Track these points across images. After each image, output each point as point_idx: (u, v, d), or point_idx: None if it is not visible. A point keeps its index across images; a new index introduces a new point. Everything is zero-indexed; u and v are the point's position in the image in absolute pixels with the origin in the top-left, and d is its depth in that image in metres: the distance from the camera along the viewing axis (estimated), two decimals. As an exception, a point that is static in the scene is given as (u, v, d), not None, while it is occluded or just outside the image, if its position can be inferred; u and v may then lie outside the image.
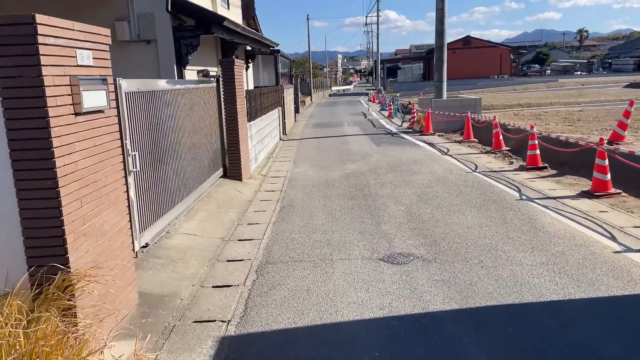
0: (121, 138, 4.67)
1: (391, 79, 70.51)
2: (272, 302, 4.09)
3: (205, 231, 6.05)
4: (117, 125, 3.82)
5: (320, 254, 5.18)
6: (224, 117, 8.94)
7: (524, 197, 7.20)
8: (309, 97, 43.00)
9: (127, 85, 4.80)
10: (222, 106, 8.90)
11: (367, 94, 55.43)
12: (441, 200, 7.22)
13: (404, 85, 59.43)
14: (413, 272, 4.54)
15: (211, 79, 8.72)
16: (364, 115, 26.38)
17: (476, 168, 9.68)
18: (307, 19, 47.17)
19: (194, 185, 7.06)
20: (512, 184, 8.14)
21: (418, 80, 67.08)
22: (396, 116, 23.61)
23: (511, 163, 10.09)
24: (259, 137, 11.66)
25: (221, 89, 8.85)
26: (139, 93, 5.10)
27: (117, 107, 4.62)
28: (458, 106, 16.25)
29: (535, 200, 6.96)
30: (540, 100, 26.43)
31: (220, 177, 8.89)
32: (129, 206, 4.77)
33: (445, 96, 16.82)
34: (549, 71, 69.88)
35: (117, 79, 4.61)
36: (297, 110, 28.43)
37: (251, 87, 16.52)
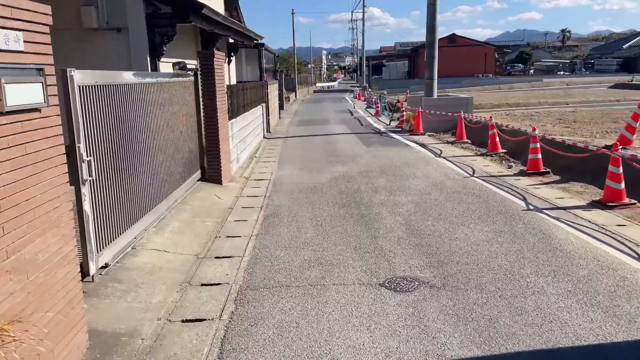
0: (73, 141, 3.89)
1: (376, 77, 70.04)
2: (253, 345, 3.36)
3: (178, 246, 5.29)
4: (60, 126, 3.04)
5: (311, 277, 4.47)
6: (202, 114, 8.15)
7: (531, 207, 6.58)
8: (294, 93, 42.18)
9: (81, 77, 4.01)
10: (201, 103, 8.11)
11: (352, 91, 54.78)
12: (441, 209, 6.57)
13: (389, 82, 58.94)
14: (421, 303, 3.86)
15: (188, 72, 7.93)
16: (350, 112, 25.70)
17: (474, 172, 9.07)
18: (292, 14, 46.34)
19: (167, 191, 6.28)
20: (515, 191, 7.53)
21: (403, 77, 66.75)
22: (383, 114, 22.98)
23: (510, 167, 9.50)
24: (241, 135, 10.88)
25: (199, 84, 8.06)
26: (97, 87, 4.31)
27: (68, 104, 3.83)
28: (449, 105, 15.66)
29: (545, 211, 6.35)
30: (528, 100, 26.09)
31: (198, 181, 8.11)
32: (81, 223, 4.00)
33: (435, 95, 16.23)
34: (532, 71, 70.16)
35: (68, 69, 3.82)
36: (281, 107, 27.64)
37: (234, 82, 15.70)
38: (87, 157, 4.03)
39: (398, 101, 19.07)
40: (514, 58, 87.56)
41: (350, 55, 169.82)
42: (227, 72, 14.60)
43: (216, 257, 5.07)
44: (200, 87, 8.06)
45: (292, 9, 46.17)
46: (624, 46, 66.40)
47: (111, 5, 7.85)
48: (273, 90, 20.04)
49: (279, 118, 22.92)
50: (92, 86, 4.21)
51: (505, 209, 6.50)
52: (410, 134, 15.20)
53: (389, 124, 18.61)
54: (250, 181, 9.03)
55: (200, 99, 8.11)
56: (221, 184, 8.33)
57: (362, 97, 37.97)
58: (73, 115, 3.87)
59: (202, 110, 8.14)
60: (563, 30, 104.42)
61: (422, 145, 12.88)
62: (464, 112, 15.18)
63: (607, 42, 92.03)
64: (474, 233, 5.54)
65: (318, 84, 74.81)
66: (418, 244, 5.23)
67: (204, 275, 4.61)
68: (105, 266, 4.43)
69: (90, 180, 4.08)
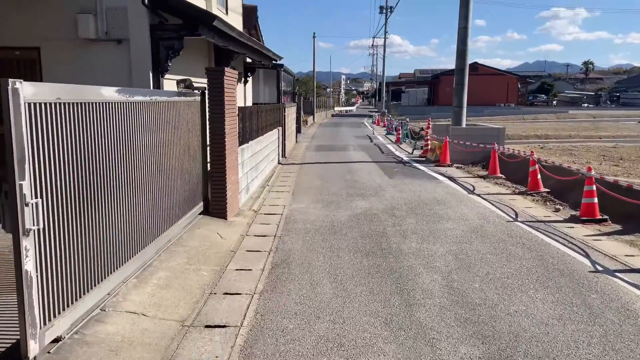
0: (13, 177, 2.86)
1: (395, 102, 69.37)
2: None
3: (161, 306, 4.20)
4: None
5: (328, 367, 3.33)
6: (208, 139, 7.16)
7: (599, 268, 5.37)
8: (312, 116, 41.48)
9: (33, 91, 3.01)
10: (207, 126, 7.13)
11: (370, 116, 53.98)
12: (488, 266, 5.39)
13: (407, 108, 58.21)
14: None
15: (195, 91, 6.97)
16: (370, 139, 24.69)
17: (517, 216, 7.87)
18: (314, 37, 45.98)
19: (157, 231, 5.23)
20: (572, 243, 6.32)
21: (422, 104, 65.98)
22: (405, 142, 21.92)
23: (557, 210, 8.28)
24: (253, 162, 9.87)
25: (207, 105, 7.09)
26: (60, 105, 3.30)
27: (8, 127, 2.82)
28: (479, 135, 14.54)
29: (618, 275, 5.14)
30: (557, 132, 24.83)
31: (200, 214, 7.07)
32: (20, 288, 2.94)
33: (464, 123, 15.12)
34: (555, 102, 68.80)
35: (10, 81, 2.82)
36: (298, 130, 26.79)
37: (250, 103, 14.82)
38: (34, 198, 2.99)
39: (422, 129, 18.00)
40: (535, 88, 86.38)
41: (369, 80, 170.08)
42: (243, 93, 13.73)
43: (206, 326, 3.96)
44: (207, 109, 7.09)
45: (314, 33, 45.84)
46: (652, 80, 64.68)
47: (111, 14, 6.98)
48: (291, 113, 19.16)
49: (296, 142, 21.99)
50: (51, 104, 3.20)
51: (568, 269, 5.29)
52: (436, 165, 14.06)
53: (412, 153, 17.50)
54: (259, 215, 7.96)
55: (207, 122, 7.13)
56: (226, 219, 7.27)
57: (382, 122, 37.04)
58: (15, 142, 2.85)
59: (208, 135, 7.16)
60: (586, 63, 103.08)
61: (451, 178, 11.72)
62: (496, 144, 14.06)
63: (631, 76, 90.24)
64: (537, 305, 4.34)
65: (336, 108, 74.31)
66: (467, 320, 4.05)
67: (187, 356, 3.50)
68: (58, 340, 3.36)
69: (36, 230, 3.04)
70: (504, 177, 11.71)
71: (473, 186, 10.61)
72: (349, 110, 77.43)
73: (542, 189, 9.67)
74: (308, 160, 15.55)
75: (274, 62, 14.58)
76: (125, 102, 4.39)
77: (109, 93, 4.10)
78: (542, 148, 15.68)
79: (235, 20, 12.81)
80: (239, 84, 13.02)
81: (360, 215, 7.88)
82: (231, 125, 7.52)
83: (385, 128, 32.97)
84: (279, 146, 14.69)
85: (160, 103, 5.34)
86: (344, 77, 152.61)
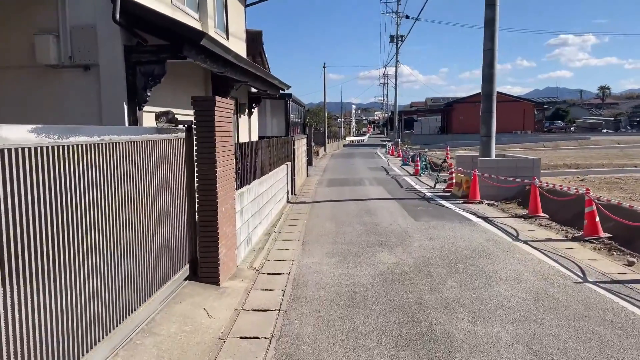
0: None
1: (407, 131, 68.21)
2: None
3: None
4: None
5: None
6: (196, 185, 5.75)
7: None
8: (323, 147, 40.26)
9: None
10: (195, 169, 5.73)
11: (384, 146, 52.72)
12: (580, 366, 3.79)
13: (421, 137, 56.93)
14: None
15: (179, 126, 5.61)
16: (385, 170, 23.22)
17: (584, 274, 6.26)
18: (324, 67, 45.26)
19: (115, 319, 3.76)
20: (679, 320, 4.70)
21: (436, 133, 64.70)
22: (424, 174, 20.41)
23: (630, 264, 6.65)
24: (256, 207, 8.42)
25: (194, 143, 5.71)
26: None
27: None
28: (512, 168, 13.00)
29: None
30: (587, 161, 23.14)
31: (186, 279, 5.60)
32: None
33: (494, 154, 13.60)
34: (572, 128, 67.05)
35: None
36: (309, 163, 25.49)
37: (255, 137, 13.51)
38: None
39: (444, 161, 16.52)
40: (550, 115, 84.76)
41: (380, 110, 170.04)
42: (248, 126, 12.43)
43: None
44: (194, 147, 5.71)
45: (324, 63, 45.18)
46: (673, 103, 62.69)
47: (77, 35, 5.71)
48: (300, 145, 17.83)
49: (307, 176, 20.60)
50: None
51: (698, 371, 3.68)
52: (465, 202, 12.50)
53: (434, 187, 15.95)
54: (261, 276, 6.45)
55: (195, 164, 5.74)
56: (218, 285, 5.78)
57: (396, 152, 35.65)
58: None
59: (196, 180, 5.75)
60: (602, 88, 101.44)
61: (486, 219, 10.14)
62: (532, 177, 12.50)
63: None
64: None
65: (348, 138, 73.33)
66: None
67: None
68: None
69: None
70: (547, 217, 10.11)
71: (515, 230, 9.01)
72: (361, 140, 76.38)
73: (602, 234, 8.05)
74: (320, 197, 14.08)
75: (281, 91, 13.32)
76: (53, 146, 2.99)
77: (18, 135, 2.70)
78: (582, 180, 14.05)
79: (238, 47, 11.62)
80: (242, 116, 11.71)
81: (387, 274, 6.33)
82: (225, 167, 6.11)
83: (400, 159, 31.53)
84: (287, 183, 13.28)
85: (121, 144, 3.95)
86: (354, 106, 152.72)
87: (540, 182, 10.57)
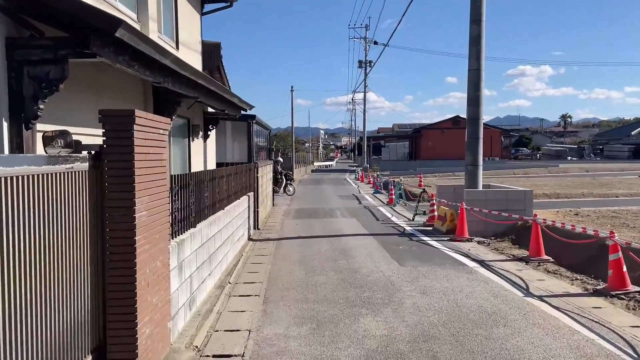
0: None
1: (375, 157, 67.50)
2: None
3: None
4: None
5: None
6: (107, 238, 3.93)
7: None
8: (291, 173, 38.58)
9: None
10: (105, 213, 3.93)
11: (352, 171, 51.54)
12: None
13: (389, 163, 56.16)
14: None
15: (81, 154, 3.81)
16: (357, 199, 21.68)
17: (635, 351, 4.72)
18: (292, 90, 43.91)
19: None
20: None
21: (403, 159, 64.19)
22: (398, 203, 18.95)
23: (686, 333, 5.17)
24: (205, 254, 6.59)
25: (104, 176, 3.92)
26: None
27: None
28: (500, 200, 11.63)
29: None
30: (565, 190, 22.26)
31: (85, 380, 3.72)
32: None
33: (481, 185, 12.21)
34: (538, 155, 67.82)
35: None
36: (275, 191, 23.71)
37: (212, 164, 11.71)
38: None
39: (424, 190, 15.09)
40: (514, 142, 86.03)
41: (347, 135, 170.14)
42: (203, 151, 10.64)
43: None
44: (105, 183, 3.92)
45: (292, 86, 43.82)
46: (633, 132, 64.49)
47: None
48: (265, 173, 16.09)
49: (272, 205, 18.81)
50: None
51: None
52: (451, 239, 10.99)
53: (412, 220, 14.44)
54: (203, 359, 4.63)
55: (105, 206, 3.93)
56: (135, 385, 3.92)
57: (366, 179, 34.32)
58: None
59: (107, 231, 3.94)
60: (564, 116, 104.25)
61: (482, 263, 8.61)
62: (525, 211, 11.17)
63: (615, 128, 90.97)
64: None
65: (316, 163, 71.98)
66: None
67: None
68: None
69: None
70: (551, 259, 8.68)
71: (522, 280, 7.48)
72: (329, 165, 75.20)
73: (631, 287, 6.61)
74: (287, 232, 12.31)
75: (243, 112, 11.64)
76: None
77: None
78: (576, 214, 12.82)
79: (192, 59, 9.92)
80: (194, 139, 9.94)
81: (378, 356, 4.62)
82: (153, 209, 4.32)
83: (371, 185, 30.16)
84: (249, 217, 11.48)
85: None
86: (322, 131, 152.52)
87: (544, 220, 9.12)
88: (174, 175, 5.19)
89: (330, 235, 11.88)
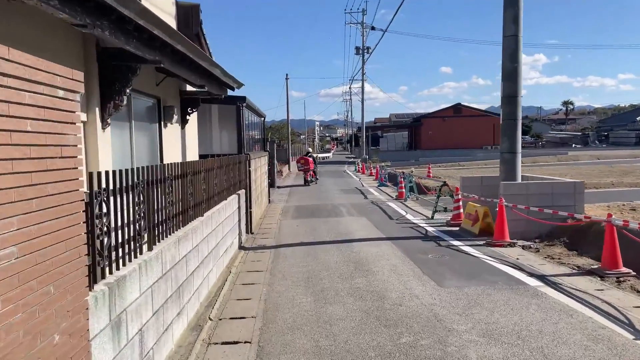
0: None
1: (373, 148, 65.41)
2: None
3: None
4: None
5: None
6: None
7: None
8: (287, 165, 36.48)
9: None
10: None
11: (351, 163, 49.42)
12: None
13: (388, 154, 54.15)
14: None
15: None
16: (362, 193, 19.59)
17: None
18: (287, 78, 41.59)
19: None
20: None
21: (402, 149, 62.15)
22: (409, 197, 16.88)
23: None
24: (171, 286, 4.47)
25: None
26: None
27: None
28: (545, 194, 9.58)
29: None
30: (591, 180, 20.21)
31: None
32: None
33: (520, 176, 10.13)
34: (541, 143, 65.93)
35: None
36: (272, 184, 21.62)
37: (194, 155, 9.58)
38: None
39: (445, 184, 13.00)
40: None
41: (342, 126, 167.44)
42: (181, 140, 8.49)
43: None
44: None
45: (287, 74, 41.53)
46: (638, 118, 62.58)
47: None
48: (260, 166, 13.97)
49: (269, 202, 16.71)
50: None
51: None
52: (488, 243, 8.95)
53: (432, 218, 12.38)
54: None
55: None
56: None
57: (367, 170, 32.22)
58: None
59: None
60: (566, 102, 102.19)
61: (545, 279, 6.55)
62: (574, 205, 9.19)
63: (619, 114, 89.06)
64: None
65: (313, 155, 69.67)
66: None
67: None
68: None
69: None
70: (632, 272, 6.65)
71: (617, 309, 5.41)
72: (326, 157, 72.99)
73: None
74: (287, 237, 10.22)
75: (230, 92, 9.48)
76: None
77: None
78: (633, 209, 10.78)
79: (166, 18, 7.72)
80: (168, 125, 7.81)
81: None
82: (33, 239, 2.20)
83: (373, 177, 28.07)
84: (240, 220, 9.38)
85: None
86: (317, 123, 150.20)
87: (627, 221, 7.03)
88: (100, 174, 3.07)
89: (338, 240, 9.80)
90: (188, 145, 9.15)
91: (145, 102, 7.33)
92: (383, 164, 37.24)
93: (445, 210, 12.62)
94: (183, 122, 8.84)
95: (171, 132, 8.20)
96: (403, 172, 18.50)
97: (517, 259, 7.85)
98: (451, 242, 9.36)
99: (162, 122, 7.83)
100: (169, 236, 4.58)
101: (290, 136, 43.22)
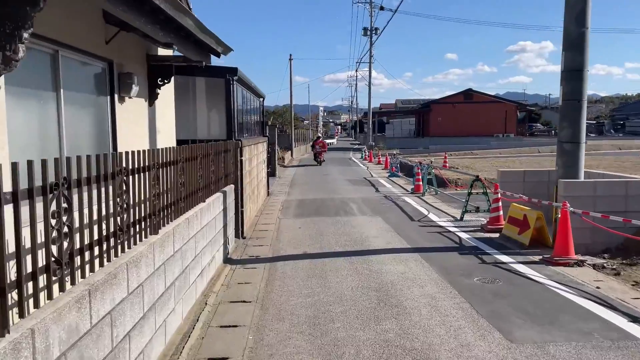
0: None
1: (378, 134, 63.08)
2: None
3: None
4: None
5: None
6: None
7: None
8: (289, 152, 34.33)
9: None
10: None
11: (357, 150, 47.26)
12: None
13: (395, 141, 51.92)
14: None
15: None
16: (372, 185, 17.49)
17: None
18: (290, 59, 39.17)
19: None
20: None
21: (409, 136, 59.90)
22: (427, 191, 14.77)
23: None
24: (104, 347, 2.41)
25: None
26: None
27: None
28: (617, 196, 7.48)
29: None
30: (630, 172, 18.01)
31: None
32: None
33: (582, 172, 7.99)
34: (554, 132, 63.43)
35: None
36: (272, 174, 19.56)
37: (170, 140, 7.50)
38: None
39: (478, 178, 10.84)
40: (522, 117, 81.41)
41: (347, 112, 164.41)
42: (147, 120, 6.38)
43: None
44: None
45: (290, 55, 39.11)
46: (656, 106, 59.90)
47: None
48: (257, 154, 11.86)
49: (267, 195, 14.65)
50: None
51: None
52: (547, 260, 6.87)
53: (461, 219, 10.29)
54: None
55: None
56: None
57: (375, 158, 30.06)
58: None
59: None
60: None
61: (660, 331, 4.48)
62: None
63: (633, 102, 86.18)
64: None
65: (316, 141, 67.43)
66: None
67: None
68: None
69: None
70: None
71: None
72: (331, 143, 70.77)
73: None
74: (286, 245, 8.16)
75: (213, 55, 7.30)
76: None
77: None
78: None
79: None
80: (126, 98, 5.71)
81: None
82: None
83: (382, 166, 25.93)
84: (227, 225, 7.30)
85: None
86: (321, 108, 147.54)
87: None
88: None
89: (351, 251, 7.73)
90: (160, 128, 7.04)
91: (86, 65, 5.21)
92: (394, 151, 34.98)
93: (478, 210, 10.53)
94: (151, 96, 6.71)
95: (131, 109, 6.08)
96: (420, 162, 16.33)
97: (598, 287, 5.76)
98: (497, 256, 7.27)
99: (117, 95, 5.71)
100: (76, 284, 2.51)
101: (293, 121, 40.94)
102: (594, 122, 65.00)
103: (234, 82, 9.05)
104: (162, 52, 7.00)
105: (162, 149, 4.09)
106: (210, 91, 9.43)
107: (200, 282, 5.49)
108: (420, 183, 15.11)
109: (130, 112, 6.09)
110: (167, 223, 4.28)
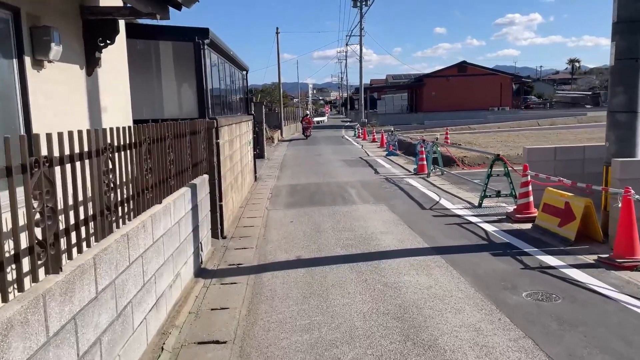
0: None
1: (370, 111, 61.22)
2: None
3: None
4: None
5: None
6: None
7: None
8: (279, 131, 32.57)
9: None
10: None
11: (348, 127, 45.61)
12: None
13: (387, 117, 50.09)
14: None
15: None
16: (370, 165, 15.93)
17: None
18: (277, 33, 36.97)
19: None
20: None
21: (402, 111, 58.13)
22: (432, 172, 13.25)
23: None
24: None
25: None
26: None
27: None
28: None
29: None
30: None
31: None
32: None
33: (640, 151, 6.46)
34: (550, 104, 62.12)
35: None
36: (260, 155, 17.98)
37: (125, 119, 5.85)
38: None
39: (498, 157, 9.29)
40: (515, 90, 79.87)
41: (337, 89, 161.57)
42: (84, 94, 4.70)
43: None
44: None
45: (277, 28, 36.87)
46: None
47: None
48: (240, 134, 10.20)
49: (254, 180, 13.06)
50: None
51: None
52: (605, 262, 5.41)
53: (479, 206, 8.80)
54: None
55: None
56: None
57: (370, 136, 28.44)
58: None
59: None
60: (572, 61, 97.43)
61: None
62: None
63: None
64: None
65: (306, 119, 65.48)
66: None
67: None
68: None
69: None
70: None
71: None
72: (321, 121, 68.80)
73: None
74: (275, 248, 6.61)
75: (177, 12, 5.68)
76: None
77: None
78: None
79: None
80: (46, 64, 3.97)
81: None
82: None
83: (377, 144, 24.34)
84: (200, 226, 5.72)
85: None
86: (311, 85, 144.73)
87: None
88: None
89: (357, 254, 6.20)
90: (106, 105, 5.38)
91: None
92: (390, 128, 33.20)
93: (499, 194, 9.04)
94: (90, 62, 5.03)
95: (56, 78, 4.41)
96: (423, 140, 14.75)
97: (693, 305, 4.30)
98: (539, 257, 5.80)
99: (31, 58, 4.04)
100: None
101: (282, 99, 38.97)
102: (590, 93, 63.60)
103: (205, 47, 7.33)
104: (105, 2, 5.29)
105: (57, 134, 2.47)
106: (178, 60, 7.70)
107: (155, 317, 3.93)
108: (425, 163, 13.58)
109: (55, 83, 4.42)
110: (80, 252, 2.70)
